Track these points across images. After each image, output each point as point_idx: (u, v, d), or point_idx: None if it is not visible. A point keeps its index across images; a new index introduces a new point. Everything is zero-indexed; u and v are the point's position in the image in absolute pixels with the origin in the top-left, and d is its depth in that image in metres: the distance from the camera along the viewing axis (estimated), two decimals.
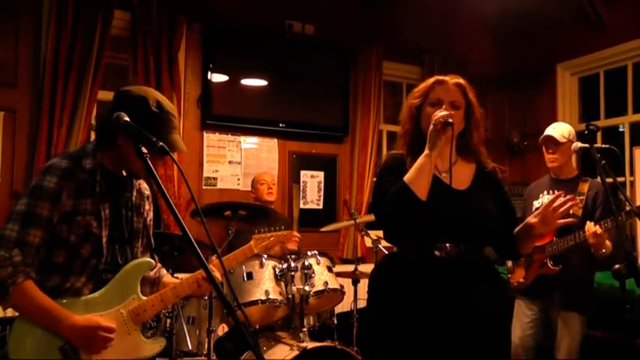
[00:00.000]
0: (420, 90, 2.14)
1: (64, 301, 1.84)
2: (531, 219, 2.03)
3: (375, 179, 2.20)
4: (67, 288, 1.86)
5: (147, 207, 2.10)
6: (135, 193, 2.03)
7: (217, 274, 2.09)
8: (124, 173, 1.99)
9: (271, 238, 2.50)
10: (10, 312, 3.78)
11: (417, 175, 1.96)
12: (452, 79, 2.11)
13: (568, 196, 2.00)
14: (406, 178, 1.97)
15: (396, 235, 2.12)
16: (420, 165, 1.97)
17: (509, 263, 3.38)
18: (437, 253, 2.01)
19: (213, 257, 2.30)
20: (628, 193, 4.55)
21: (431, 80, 2.13)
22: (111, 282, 1.92)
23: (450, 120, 1.96)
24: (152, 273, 2.11)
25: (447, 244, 2.01)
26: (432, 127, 1.97)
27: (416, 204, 1.94)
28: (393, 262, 2.18)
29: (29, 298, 1.77)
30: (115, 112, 1.76)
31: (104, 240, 1.90)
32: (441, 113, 1.97)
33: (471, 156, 2.15)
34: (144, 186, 2.10)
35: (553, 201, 1.98)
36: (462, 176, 2.11)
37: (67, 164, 1.86)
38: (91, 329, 1.82)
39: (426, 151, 1.98)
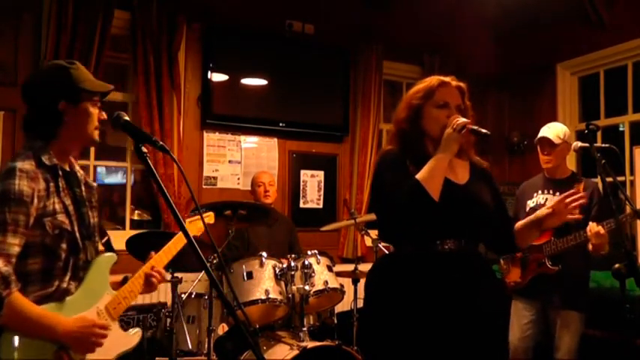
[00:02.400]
0: (422, 90, 2.10)
1: (48, 306, 1.79)
2: (544, 210, 2.06)
3: (373, 174, 2.17)
4: (51, 293, 1.81)
5: (95, 200, 2.04)
6: (83, 187, 1.98)
7: (157, 276, 2.05)
8: (68, 168, 1.96)
9: (206, 217, 2.52)
10: None
11: (431, 176, 1.95)
12: (454, 82, 2.10)
13: (581, 193, 2.05)
14: (419, 177, 1.95)
15: (399, 231, 2.08)
16: (435, 166, 1.96)
17: (503, 263, 3.38)
18: (441, 248, 2.00)
19: (152, 253, 2.17)
20: (628, 193, 4.55)
21: (435, 81, 2.09)
22: (85, 280, 1.90)
23: (485, 131, 1.96)
24: None
25: (450, 240, 2.01)
26: (451, 130, 1.97)
27: (429, 204, 1.93)
28: (393, 261, 2.16)
29: (21, 309, 1.70)
30: (116, 112, 1.77)
31: (77, 235, 1.87)
32: (462, 120, 1.98)
33: (462, 155, 2.15)
34: (89, 179, 2.05)
35: (567, 196, 2.04)
36: (461, 171, 2.12)
37: (31, 165, 1.79)
38: (88, 329, 1.80)
39: (441, 154, 1.97)
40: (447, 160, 1.97)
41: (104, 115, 1.97)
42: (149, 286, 2.05)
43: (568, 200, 2.03)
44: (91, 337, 1.80)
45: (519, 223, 2.14)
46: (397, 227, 2.07)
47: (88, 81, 1.92)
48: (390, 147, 2.15)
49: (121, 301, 1.96)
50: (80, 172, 2.00)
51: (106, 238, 2.07)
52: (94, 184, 2.06)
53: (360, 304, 3.81)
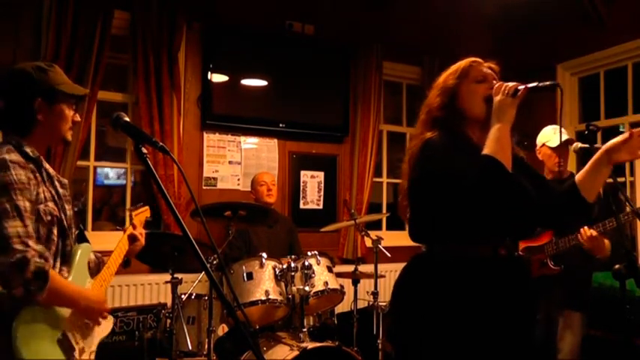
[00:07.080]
0: (455, 71, 1.98)
1: None
2: (620, 137, 1.85)
3: (421, 164, 1.90)
4: None
5: (69, 194, 2.10)
6: (56, 183, 2.02)
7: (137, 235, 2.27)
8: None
9: (145, 211, 2.55)
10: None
11: (500, 147, 1.76)
12: (485, 62, 2.01)
13: None
14: (488, 151, 1.77)
15: (460, 223, 1.82)
16: (499, 137, 1.78)
17: None
18: (493, 252, 1.83)
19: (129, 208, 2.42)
20: (628, 193, 4.55)
21: (465, 62, 1.99)
22: (73, 267, 1.96)
23: (550, 82, 1.85)
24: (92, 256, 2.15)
25: (498, 240, 1.84)
26: (502, 96, 1.83)
27: (507, 178, 1.75)
28: (438, 265, 1.88)
29: (61, 283, 1.82)
30: (116, 113, 1.77)
31: (65, 222, 1.94)
32: (511, 83, 1.84)
33: None
34: (59, 175, 2.09)
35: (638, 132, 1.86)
36: None
37: (19, 156, 1.84)
38: (102, 299, 1.99)
39: (499, 124, 1.80)
40: (507, 129, 1.80)
41: (78, 118, 2.04)
42: (134, 245, 2.25)
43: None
44: (102, 309, 1.98)
45: (580, 173, 1.91)
46: (459, 218, 1.81)
47: (65, 84, 1.97)
48: (431, 134, 1.92)
49: (98, 289, 2.04)
50: (51, 169, 2.02)
51: (78, 231, 2.15)
52: (65, 180, 2.11)
53: (360, 304, 3.82)
